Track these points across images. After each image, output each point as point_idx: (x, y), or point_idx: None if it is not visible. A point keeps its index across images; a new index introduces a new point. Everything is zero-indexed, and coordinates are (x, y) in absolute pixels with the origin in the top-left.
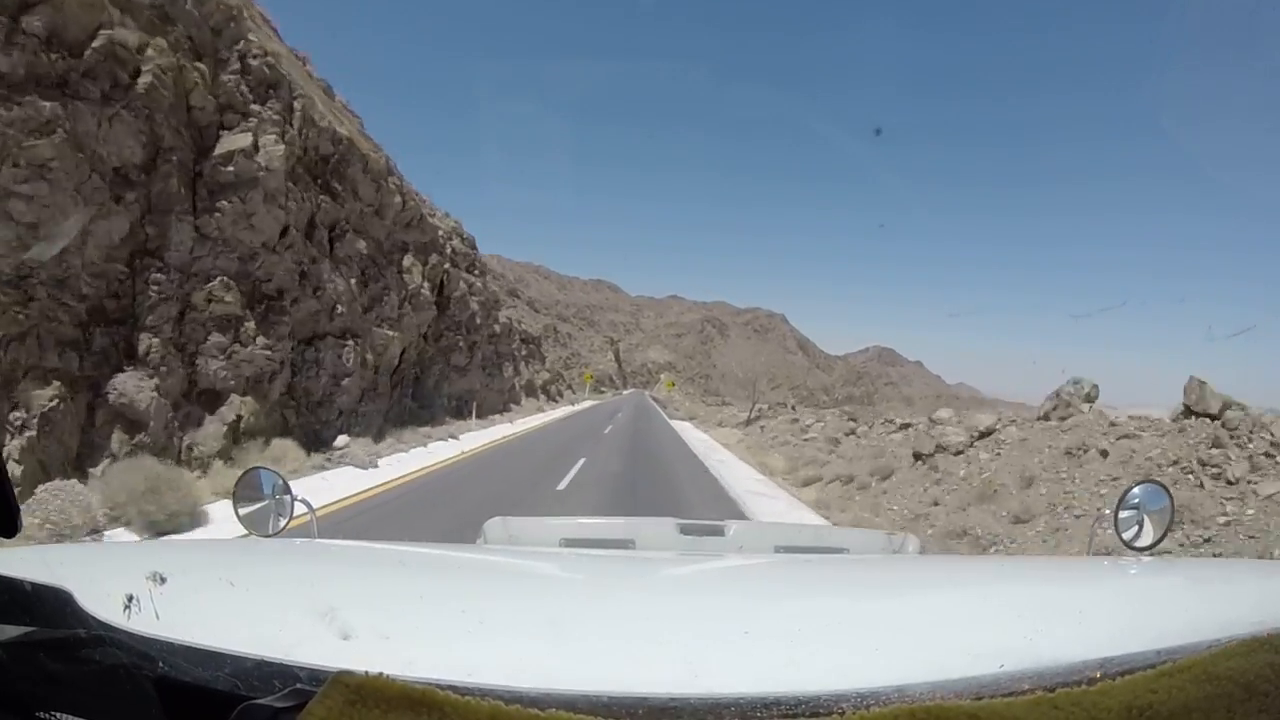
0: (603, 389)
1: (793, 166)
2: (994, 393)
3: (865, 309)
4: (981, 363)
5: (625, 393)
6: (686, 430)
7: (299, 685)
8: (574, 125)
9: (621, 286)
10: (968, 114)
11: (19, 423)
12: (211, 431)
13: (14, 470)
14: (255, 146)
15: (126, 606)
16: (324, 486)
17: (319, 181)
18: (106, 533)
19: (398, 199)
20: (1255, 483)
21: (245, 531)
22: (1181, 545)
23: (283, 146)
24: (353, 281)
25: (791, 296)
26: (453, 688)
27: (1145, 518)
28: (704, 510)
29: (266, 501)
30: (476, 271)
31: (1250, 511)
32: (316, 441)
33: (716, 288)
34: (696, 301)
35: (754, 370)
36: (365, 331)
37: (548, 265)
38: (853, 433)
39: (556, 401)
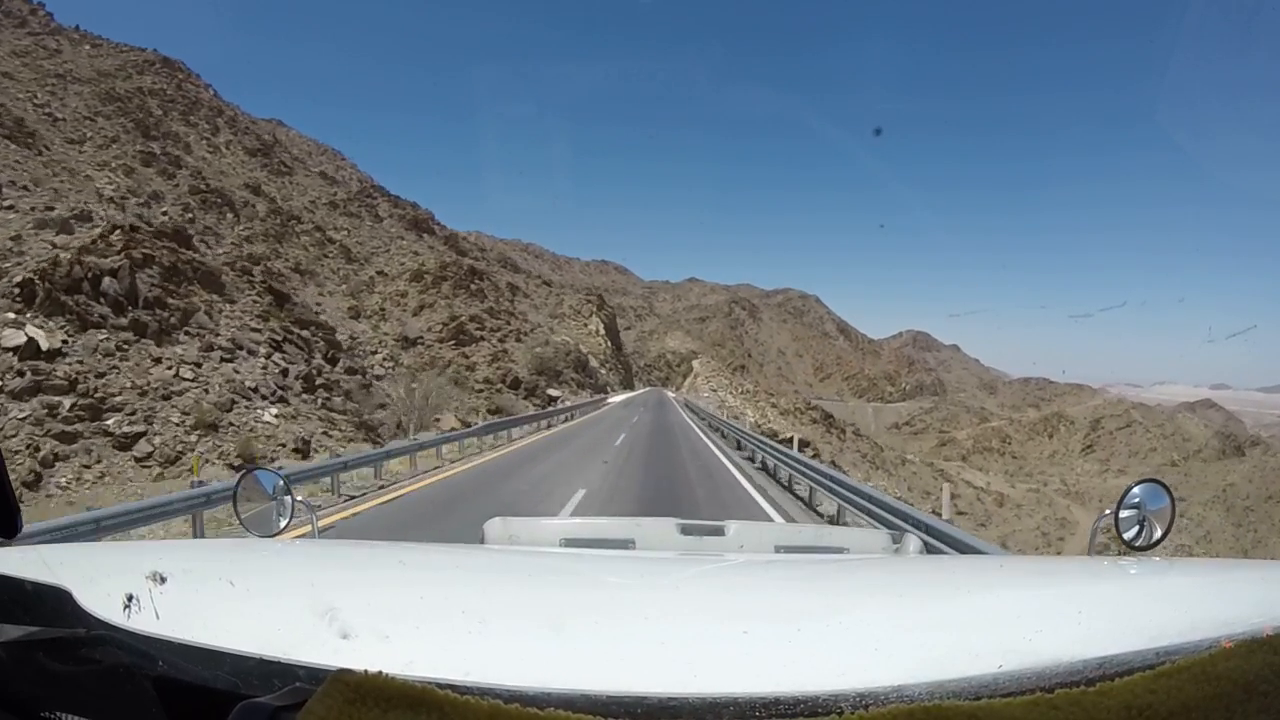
0: (555, 393)
1: (807, 152)
2: (1022, 373)
3: (892, 292)
4: (999, 342)
5: (617, 399)
6: None
7: (298, 684)
8: (583, 121)
9: (632, 270)
10: (973, 109)
11: None
12: None
13: None
14: None
15: (126, 606)
16: None
17: None
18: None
19: None
20: None
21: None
22: None
23: None
24: None
25: (818, 281)
26: (452, 687)
27: (1146, 517)
28: None
29: (268, 502)
30: None
31: None
32: None
33: (737, 273)
34: (719, 283)
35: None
36: None
37: (540, 244)
38: None
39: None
